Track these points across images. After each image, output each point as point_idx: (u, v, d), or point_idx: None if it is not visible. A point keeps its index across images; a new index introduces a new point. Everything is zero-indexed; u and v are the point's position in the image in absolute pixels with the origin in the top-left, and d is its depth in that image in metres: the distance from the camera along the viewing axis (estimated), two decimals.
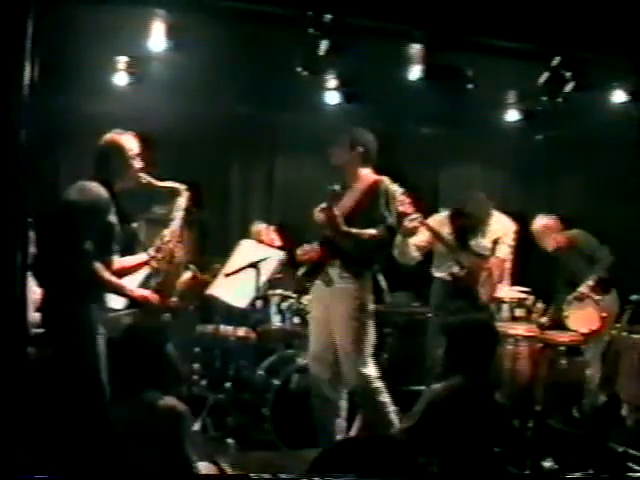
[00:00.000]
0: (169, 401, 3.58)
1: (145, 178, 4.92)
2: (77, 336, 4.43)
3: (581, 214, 7.61)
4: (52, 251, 4.64)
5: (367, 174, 5.71)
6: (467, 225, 6.31)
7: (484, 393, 4.25)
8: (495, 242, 6.57)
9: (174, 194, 5.20)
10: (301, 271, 5.75)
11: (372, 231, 5.50)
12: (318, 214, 5.65)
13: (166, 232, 5.06)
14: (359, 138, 5.68)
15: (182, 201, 5.14)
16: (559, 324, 7.21)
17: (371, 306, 5.61)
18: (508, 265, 6.62)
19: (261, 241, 7.13)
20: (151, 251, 4.95)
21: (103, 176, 4.70)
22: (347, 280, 5.54)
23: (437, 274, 6.40)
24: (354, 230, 5.50)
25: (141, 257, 4.95)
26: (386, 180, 5.64)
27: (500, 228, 6.63)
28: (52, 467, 3.40)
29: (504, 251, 6.55)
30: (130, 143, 4.81)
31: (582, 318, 7.39)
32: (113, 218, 4.73)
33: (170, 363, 3.96)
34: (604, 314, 7.38)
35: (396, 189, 5.60)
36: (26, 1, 3.62)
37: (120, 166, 4.76)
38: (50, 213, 4.73)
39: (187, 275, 5.48)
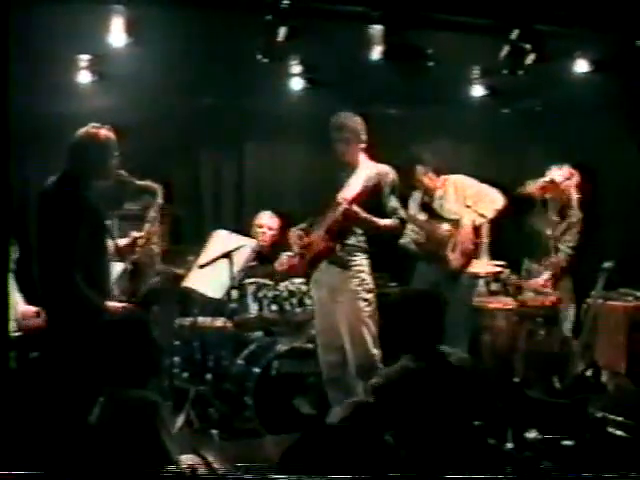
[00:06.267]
0: (138, 393, 3.54)
1: (123, 175, 4.89)
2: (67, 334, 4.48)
3: None
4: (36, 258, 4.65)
5: (363, 157, 5.65)
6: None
7: (440, 370, 3.93)
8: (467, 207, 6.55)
9: (149, 192, 5.20)
10: (305, 261, 5.71)
11: (387, 221, 5.53)
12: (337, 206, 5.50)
13: (142, 233, 5.07)
14: (344, 122, 5.58)
15: (158, 201, 5.13)
16: None
17: (372, 287, 5.60)
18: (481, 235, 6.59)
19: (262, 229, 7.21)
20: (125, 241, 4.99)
21: (78, 172, 4.65)
22: (350, 263, 5.52)
23: (401, 241, 6.43)
24: (375, 219, 5.48)
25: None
26: (389, 170, 5.60)
27: (475, 196, 6.59)
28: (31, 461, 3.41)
29: (471, 218, 6.49)
30: (109, 137, 4.74)
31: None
32: (101, 217, 4.72)
33: (150, 354, 3.86)
34: None
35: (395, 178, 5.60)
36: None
37: (98, 161, 4.70)
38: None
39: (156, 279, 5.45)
